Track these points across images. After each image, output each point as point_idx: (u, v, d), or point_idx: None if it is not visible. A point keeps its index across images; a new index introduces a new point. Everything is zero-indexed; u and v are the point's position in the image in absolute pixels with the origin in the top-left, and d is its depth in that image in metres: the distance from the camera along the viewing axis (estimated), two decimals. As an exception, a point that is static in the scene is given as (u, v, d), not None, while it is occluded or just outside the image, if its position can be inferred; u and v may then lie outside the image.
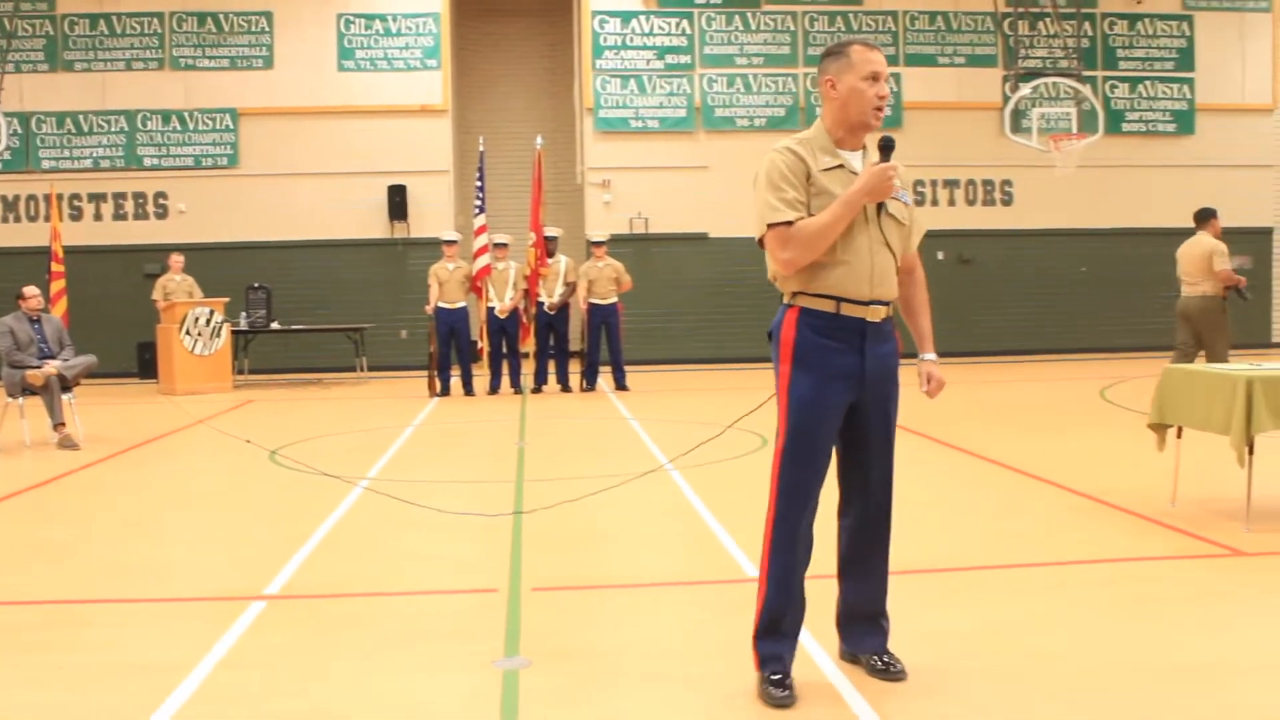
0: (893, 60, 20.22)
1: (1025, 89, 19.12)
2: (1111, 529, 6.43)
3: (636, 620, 4.92)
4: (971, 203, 20.58)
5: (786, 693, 3.85)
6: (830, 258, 3.87)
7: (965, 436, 10.03)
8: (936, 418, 10.67)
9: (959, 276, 20.24)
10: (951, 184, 20.47)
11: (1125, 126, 20.68)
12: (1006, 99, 19.55)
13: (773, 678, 3.88)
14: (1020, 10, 19.77)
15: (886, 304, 3.95)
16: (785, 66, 20.25)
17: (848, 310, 3.87)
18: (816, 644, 4.34)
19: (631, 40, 20.07)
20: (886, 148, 3.86)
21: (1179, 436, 6.84)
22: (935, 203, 20.39)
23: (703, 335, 19.84)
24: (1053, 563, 5.73)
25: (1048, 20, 20.17)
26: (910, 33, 20.42)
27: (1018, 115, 19.21)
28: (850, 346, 3.88)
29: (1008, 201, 20.67)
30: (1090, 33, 20.63)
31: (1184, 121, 20.94)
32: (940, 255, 20.22)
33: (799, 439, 3.89)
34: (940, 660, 4.22)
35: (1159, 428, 6.85)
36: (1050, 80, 19.41)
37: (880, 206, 3.92)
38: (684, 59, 20.11)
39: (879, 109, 3.89)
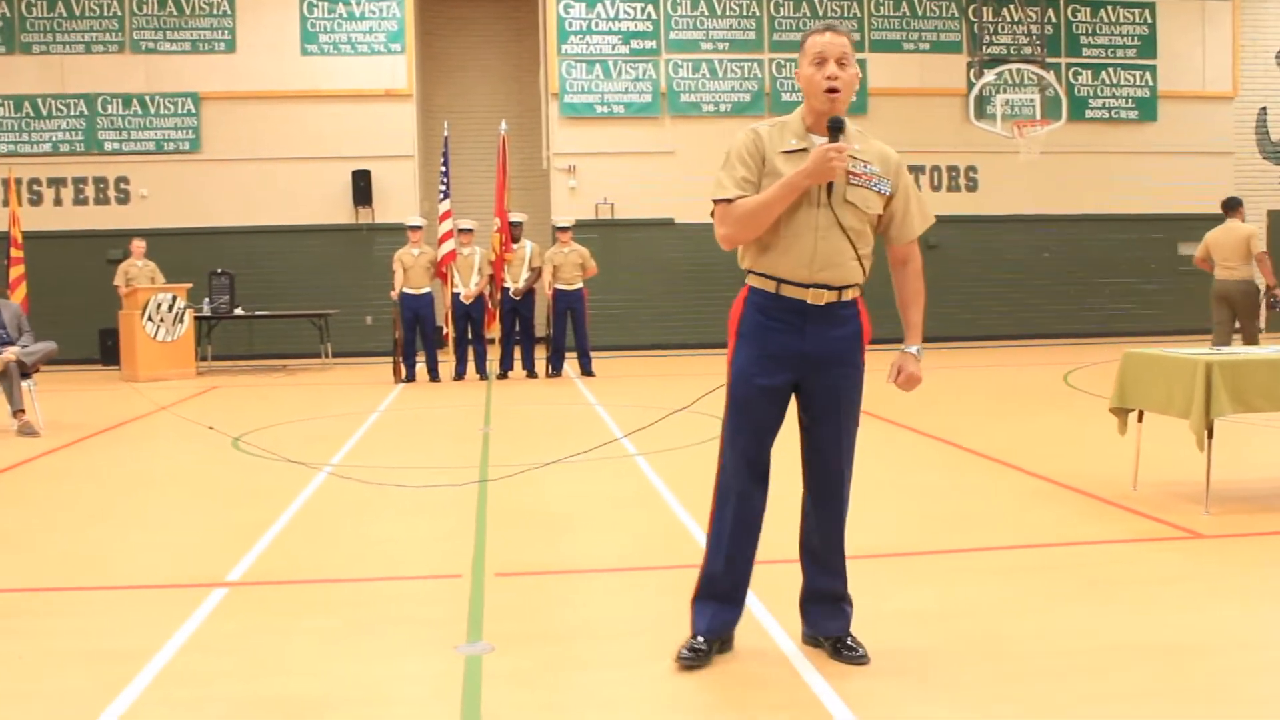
0: (857, 47, 20.16)
1: (990, 75, 19.24)
2: (1074, 512, 6.48)
3: (600, 605, 4.92)
4: (937, 188, 20.67)
5: (693, 656, 3.98)
6: (772, 238, 3.94)
7: (929, 421, 10.08)
8: (900, 402, 10.69)
9: (925, 262, 20.24)
10: (917, 170, 20.51)
11: (1088, 113, 20.86)
12: (971, 85, 19.69)
13: (693, 640, 4.02)
14: (985, -4, 19.85)
15: (836, 289, 3.94)
16: (751, 52, 20.27)
17: (787, 291, 3.93)
18: (779, 626, 4.36)
19: (597, 25, 20.04)
20: (833, 128, 3.86)
21: (1140, 420, 6.89)
22: (900, 188, 20.46)
23: (669, 321, 19.86)
24: (1016, 546, 5.78)
25: (1012, 7, 20.29)
26: (875, 18, 20.47)
27: (982, 101, 19.33)
28: (790, 327, 3.94)
29: (973, 187, 20.79)
30: (1054, 19, 20.75)
31: (1146, 108, 21.10)
32: (905, 241, 20.32)
33: (736, 412, 4.05)
34: (903, 642, 4.24)
35: (1120, 412, 6.90)
36: (1014, 66, 19.53)
37: (830, 190, 3.88)
38: (649, 44, 20.09)
39: (830, 90, 3.86)
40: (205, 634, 4.50)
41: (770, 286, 3.96)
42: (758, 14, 20.29)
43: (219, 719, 3.68)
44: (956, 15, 20.55)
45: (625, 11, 20.10)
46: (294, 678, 4.03)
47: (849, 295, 3.98)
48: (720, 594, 4.08)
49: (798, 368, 3.96)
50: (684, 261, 19.77)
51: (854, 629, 4.13)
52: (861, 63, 20.24)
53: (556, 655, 4.19)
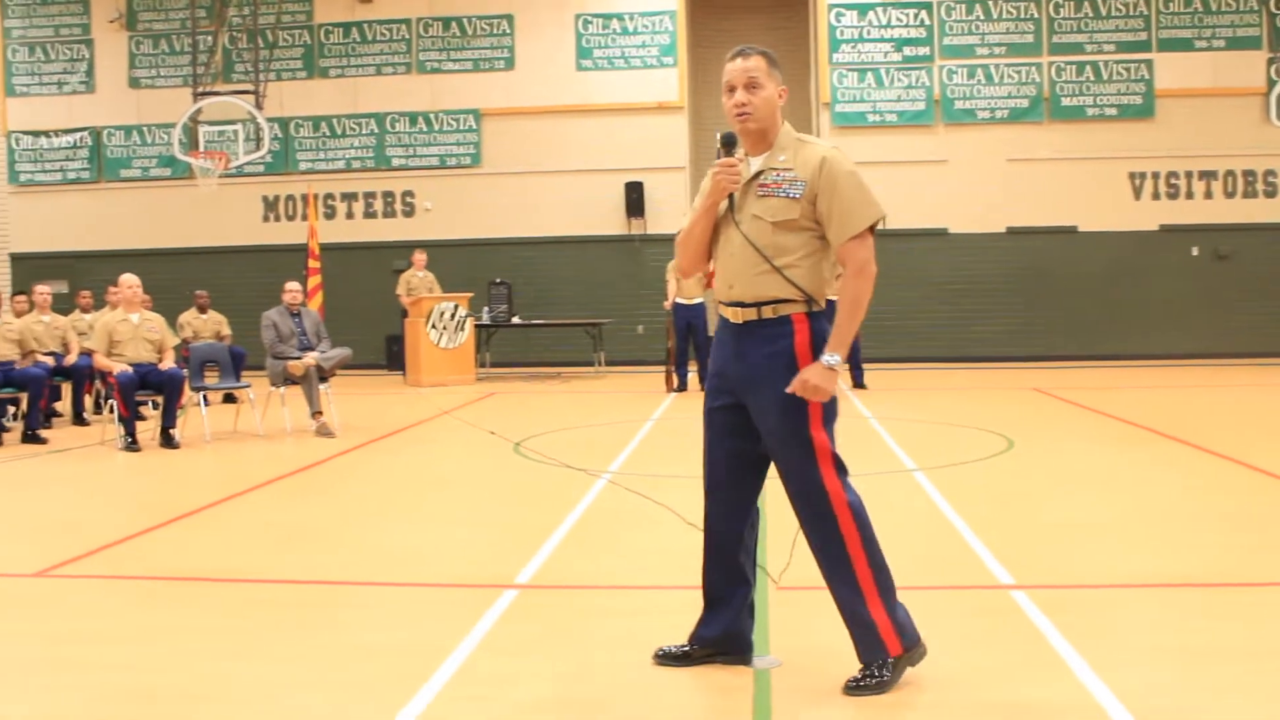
0: (1144, 46, 19.35)
1: (1293, 72, 17.99)
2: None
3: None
4: (1230, 195, 19.48)
5: (664, 655, 4.20)
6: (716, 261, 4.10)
7: (1226, 442, 9.46)
8: (1193, 422, 10.15)
9: (1215, 273, 19.22)
10: (1208, 175, 19.42)
11: (1406, 110, 19.25)
12: (1272, 83, 18.49)
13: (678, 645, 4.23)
14: (1288, -12, 18.54)
15: (752, 305, 3.92)
16: (1028, 56, 19.60)
17: (723, 311, 4.04)
18: (1090, 669, 4.15)
19: (869, 33, 19.78)
20: (724, 144, 4.00)
21: None
22: (1190, 195, 19.41)
23: (942, 333, 19.38)
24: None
25: (1319, -3, 18.90)
26: (1164, 16, 19.44)
27: (1285, 100, 18.13)
28: (729, 346, 4.01)
29: (1270, 193, 19.49)
30: (1368, 8, 19.26)
31: None
32: (1195, 250, 19.27)
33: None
34: (1217, 679, 3.96)
35: None
36: (1322, 62, 18.21)
37: (733, 205, 3.97)
38: (923, 50, 19.70)
39: (739, 116, 3.96)
40: (498, 635, 4.62)
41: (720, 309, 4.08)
42: (1036, 15, 19.60)
43: (514, 718, 3.75)
44: (1255, 8, 19.29)
45: (898, 18, 19.77)
46: (586, 682, 4.07)
47: (774, 311, 3.91)
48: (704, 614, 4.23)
49: (734, 389, 4.00)
50: (957, 273, 19.29)
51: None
52: (1148, 63, 19.50)
53: (846, 673, 4.09)
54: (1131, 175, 19.42)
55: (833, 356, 3.81)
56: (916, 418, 11.75)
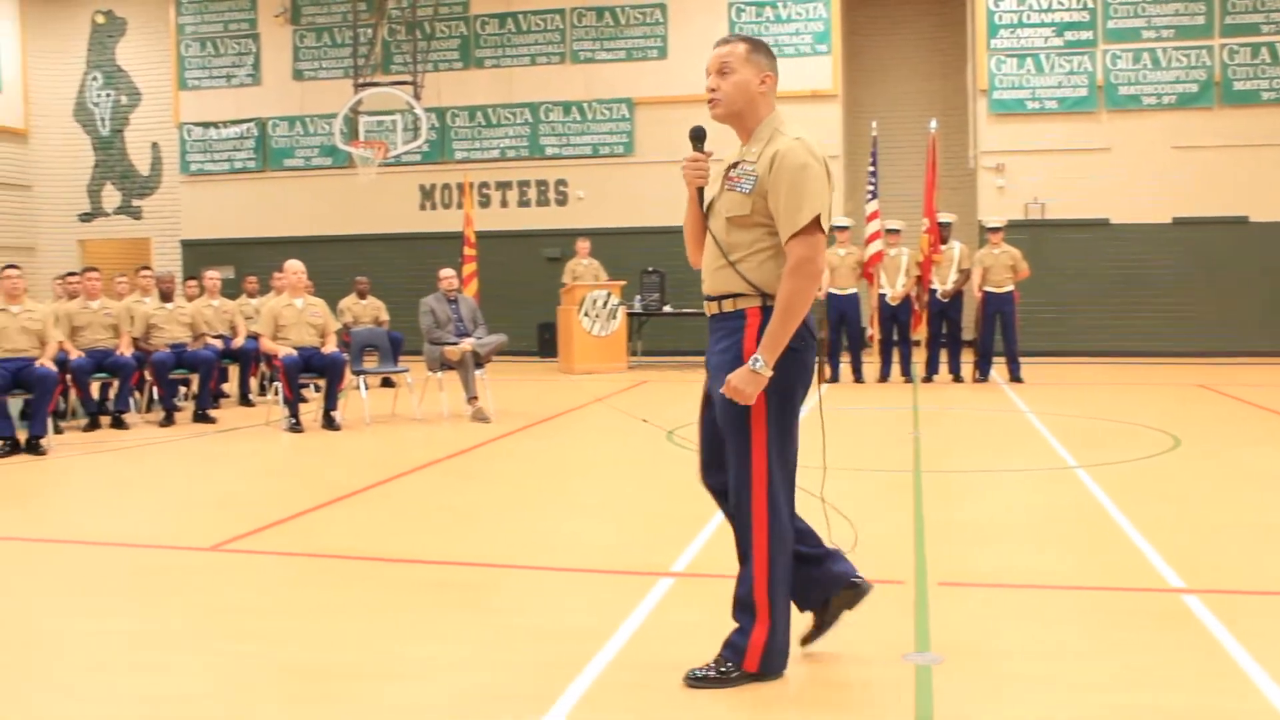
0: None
1: None
2: None
3: (1047, 622, 4.66)
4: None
5: None
6: None
7: None
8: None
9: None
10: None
11: None
12: None
13: None
14: None
15: (715, 299, 3.92)
16: (1199, 38, 18.86)
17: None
18: (1260, 668, 3.99)
19: (1028, 17, 19.28)
20: (691, 138, 4.02)
21: None
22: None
23: (1102, 327, 18.81)
24: None
25: None
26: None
27: None
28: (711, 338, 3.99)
29: None
30: None
31: None
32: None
33: None
34: None
35: None
36: None
37: (702, 200, 4.00)
38: (1085, 35, 19.13)
39: (709, 102, 3.93)
40: (655, 621, 4.64)
41: None
42: (1208, -4, 18.88)
43: (672, 706, 3.75)
44: None
45: (1059, 2, 19.22)
46: (744, 672, 4.06)
47: (732, 305, 3.88)
48: None
49: (710, 378, 3.94)
50: (1120, 265, 18.70)
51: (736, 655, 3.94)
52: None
53: (1008, 673, 4.02)
54: (1309, 163, 18.59)
55: (757, 360, 3.72)
56: (1076, 413, 11.44)
